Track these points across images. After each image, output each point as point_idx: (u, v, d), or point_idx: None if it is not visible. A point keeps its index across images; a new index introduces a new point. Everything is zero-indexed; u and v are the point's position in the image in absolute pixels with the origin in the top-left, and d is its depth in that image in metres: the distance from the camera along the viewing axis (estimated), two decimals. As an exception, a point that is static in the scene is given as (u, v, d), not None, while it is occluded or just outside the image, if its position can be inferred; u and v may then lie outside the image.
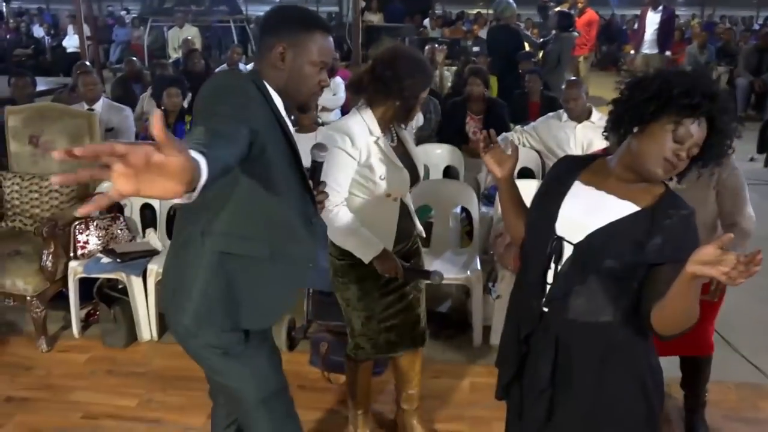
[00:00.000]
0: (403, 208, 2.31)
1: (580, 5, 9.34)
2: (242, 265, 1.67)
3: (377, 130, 2.19)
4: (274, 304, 1.78)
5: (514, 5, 7.04)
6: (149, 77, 6.15)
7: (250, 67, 7.68)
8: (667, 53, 8.43)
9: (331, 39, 1.70)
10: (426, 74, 2.20)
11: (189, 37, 8.68)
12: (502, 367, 1.74)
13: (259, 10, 20.91)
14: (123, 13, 19.00)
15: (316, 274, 3.12)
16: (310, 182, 1.78)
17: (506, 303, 3.42)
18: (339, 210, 2.15)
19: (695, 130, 1.42)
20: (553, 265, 1.55)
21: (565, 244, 1.54)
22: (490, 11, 17.60)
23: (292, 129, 1.73)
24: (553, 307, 1.56)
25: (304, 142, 4.59)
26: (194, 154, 1.01)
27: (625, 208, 1.50)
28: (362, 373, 2.55)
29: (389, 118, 2.22)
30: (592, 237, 1.50)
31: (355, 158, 2.14)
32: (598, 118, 3.86)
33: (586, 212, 1.53)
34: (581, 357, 1.54)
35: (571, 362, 1.55)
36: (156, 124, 0.86)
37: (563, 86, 4.10)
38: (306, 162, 1.77)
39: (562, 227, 1.55)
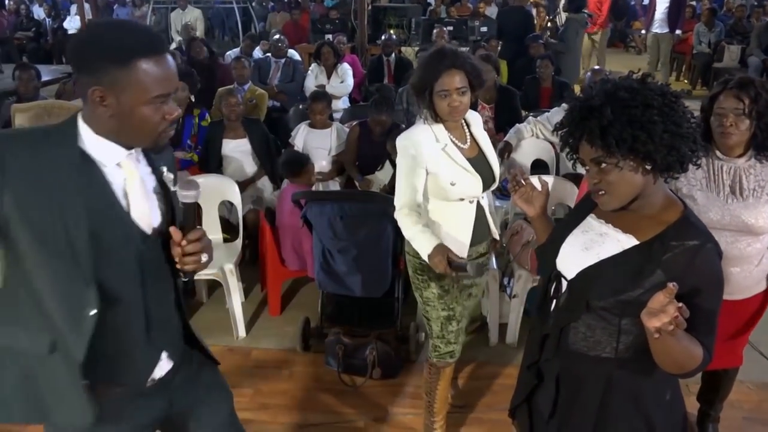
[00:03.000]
0: (480, 210, 2.34)
1: None
2: (27, 359, 1.40)
3: (444, 137, 2.24)
4: (69, 400, 1.41)
5: None
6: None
7: (257, 53, 7.32)
8: (677, 32, 8.29)
9: (166, 58, 1.32)
10: (430, 64, 2.20)
11: (188, 22, 8.52)
12: (516, 389, 1.75)
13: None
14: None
15: (334, 279, 3.08)
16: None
17: (523, 301, 3.40)
18: (400, 214, 2.25)
19: (586, 150, 1.40)
20: (554, 299, 1.55)
21: (563, 279, 1.52)
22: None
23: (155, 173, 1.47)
24: (553, 340, 1.55)
25: (318, 139, 4.60)
26: None
27: (624, 242, 1.44)
28: (444, 379, 2.49)
29: (439, 121, 2.25)
30: (583, 275, 1.47)
31: (421, 166, 2.21)
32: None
33: (584, 248, 1.50)
34: (584, 390, 1.53)
35: (574, 395, 1.54)
36: None
37: (579, 70, 4.03)
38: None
39: (561, 262, 1.54)
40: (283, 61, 6.11)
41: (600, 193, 1.42)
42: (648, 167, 1.37)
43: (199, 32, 8.95)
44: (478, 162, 2.29)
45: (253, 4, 12.87)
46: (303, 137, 4.37)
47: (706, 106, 2.17)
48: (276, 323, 3.57)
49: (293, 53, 6.51)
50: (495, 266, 3.31)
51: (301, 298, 3.80)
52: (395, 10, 9.35)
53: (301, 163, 3.71)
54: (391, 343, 3.12)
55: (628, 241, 1.44)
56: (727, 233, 2.14)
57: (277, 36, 6.35)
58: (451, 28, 8.31)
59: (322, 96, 4.48)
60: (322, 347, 3.23)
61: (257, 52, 6.96)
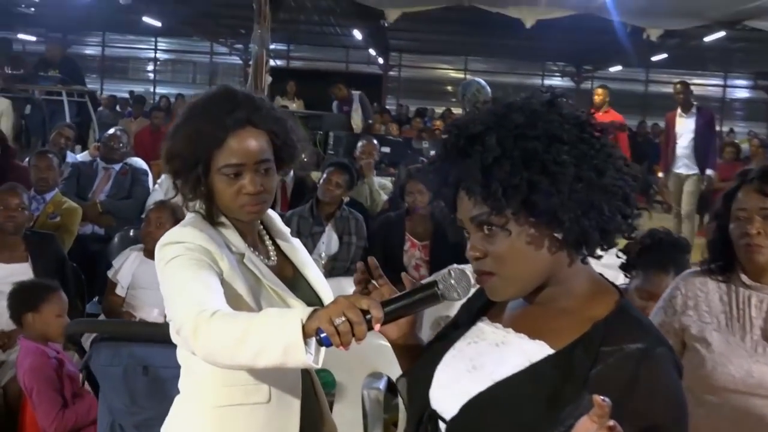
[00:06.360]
0: (306, 376, 2.04)
1: (597, 99, 9.77)
2: None
3: (238, 242, 2.01)
4: None
5: (489, 89, 7.43)
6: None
7: (82, 157, 7.56)
8: (709, 172, 8.73)
9: None
10: (207, 117, 1.95)
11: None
12: None
13: (119, 90, 21.62)
14: None
15: None
16: None
17: None
18: (202, 322, 1.71)
19: (464, 205, 1.41)
20: None
21: (441, 421, 1.51)
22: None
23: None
24: None
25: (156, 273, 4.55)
26: None
27: (532, 353, 1.42)
28: None
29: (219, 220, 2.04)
30: (470, 410, 1.44)
31: (213, 267, 1.89)
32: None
33: (471, 368, 1.49)
34: None
35: None
36: None
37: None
38: None
39: (436, 395, 1.53)
40: (117, 168, 6.22)
41: (485, 274, 1.41)
42: (557, 236, 1.37)
43: (5, 129, 9.08)
44: (298, 286, 2.09)
45: (100, 108, 13.33)
46: (132, 269, 4.42)
47: (721, 210, 2.31)
48: None
49: (136, 160, 6.66)
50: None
51: None
52: (306, 119, 9.84)
53: (43, 293, 3.58)
54: None
55: (539, 351, 1.42)
56: (757, 400, 2.23)
57: (112, 131, 6.51)
58: (388, 149, 8.74)
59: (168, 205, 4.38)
60: None
61: (83, 156, 7.11)
